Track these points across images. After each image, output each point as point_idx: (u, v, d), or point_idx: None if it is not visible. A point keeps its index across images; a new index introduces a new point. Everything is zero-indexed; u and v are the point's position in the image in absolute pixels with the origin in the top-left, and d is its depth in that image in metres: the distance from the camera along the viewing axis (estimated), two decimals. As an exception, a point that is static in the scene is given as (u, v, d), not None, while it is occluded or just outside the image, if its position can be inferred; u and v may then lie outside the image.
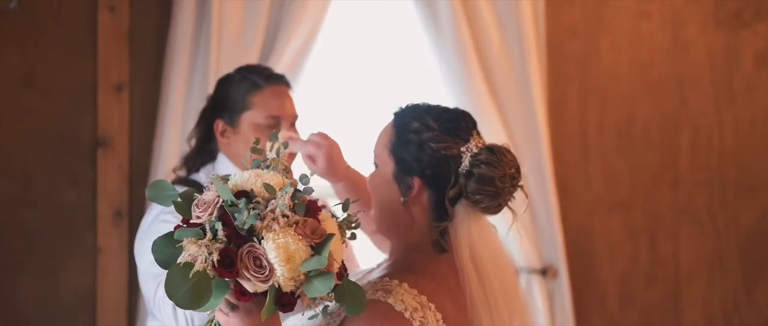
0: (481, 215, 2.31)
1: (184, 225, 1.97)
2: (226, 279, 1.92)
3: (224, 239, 1.90)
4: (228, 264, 1.90)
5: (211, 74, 3.97)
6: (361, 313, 2.00)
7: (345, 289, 1.98)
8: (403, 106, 2.41)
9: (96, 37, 4.02)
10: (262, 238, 1.91)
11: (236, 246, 1.91)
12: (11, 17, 3.92)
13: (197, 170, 2.99)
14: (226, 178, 2.01)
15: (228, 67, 3.91)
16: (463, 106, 4.02)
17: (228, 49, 4.02)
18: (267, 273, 1.90)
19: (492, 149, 2.29)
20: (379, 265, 2.51)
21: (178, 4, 4.01)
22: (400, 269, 2.30)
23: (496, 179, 2.26)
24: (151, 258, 2.64)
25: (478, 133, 2.35)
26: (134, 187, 4.07)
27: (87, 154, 4.04)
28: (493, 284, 2.28)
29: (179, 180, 3.02)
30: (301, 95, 3.00)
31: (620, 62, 4.59)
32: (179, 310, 2.62)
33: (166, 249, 1.95)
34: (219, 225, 1.91)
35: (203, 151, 3.02)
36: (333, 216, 2.05)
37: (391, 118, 2.41)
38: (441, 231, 2.31)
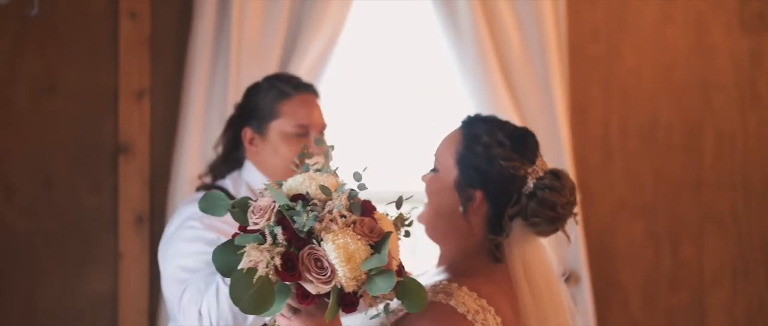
0: (534, 235, 2.37)
1: (242, 232, 2.00)
2: (288, 284, 1.94)
3: (284, 243, 1.93)
4: (290, 267, 1.92)
5: (231, 80, 3.98)
6: (422, 309, 2.01)
7: (406, 286, 2.00)
8: (472, 116, 2.47)
9: (117, 43, 4.05)
10: (321, 240, 1.94)
11: (296, 249, 1.94)
12: (33, 24, 3.94)
13: (223, 177, 2.99)
14: (279, 184, 2.05)
15: (248, 73, 3.98)
16: (482, 107, 4.11)
17: (248, 54, 4.03)
18: (329, 274, 1.92)
19: (557, 174, 2.36)
20: (425, 272, 2.53)
21: (198, 11, 4.02)
22: (457, 273, 2.33)
23: (557, 205, 2.32)
24: (178, 262, 2.67)
25: (541, 155, 2.40)
26: (155, 193, 4.09)
27: (108, 160, 4.06)
28: (544, 300, 2.34)
29: (205, 187, 3.03)
30: (322, 99, 3.02)
31: (643, 65, 4.55)
32: (204, 316, 2.62)
33: (227, 256, 1.97)
34: (278, 230, 1.93)
35: (230, 158, 3.03)
36: (387, 215, 2.07)
37: (458, 125, 2.45)
38: (496, 245, 2.35)
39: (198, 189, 3.03)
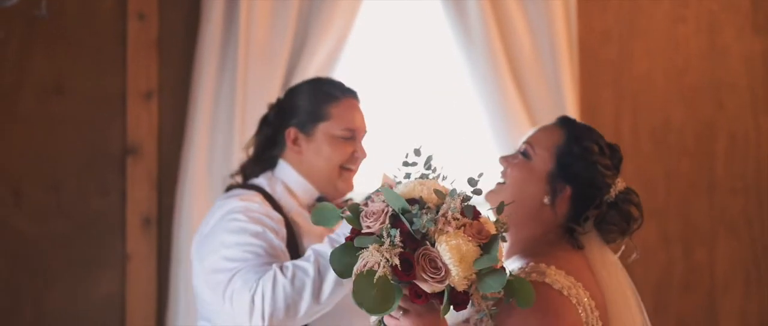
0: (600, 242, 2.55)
1: (357, 236, 2.14)
2: (400, 284, 2.06)
3: (400, 244, 2.05)
4: (407, 267, 2.04)
5: (238, 81, 3.98)
6: (531, 305, 2.13)
7: (513, 284, 2.12)
8: (573, 118, 2.66)
9: (125, 45, 4.04)
10: (434, 241, 2.07)
11: (411, 250, 2.07)
12: (40, 25, 3.93)
13: (255, 176, 2.98)
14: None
15: (256, 74, 3.99)
16: (492, 111, 4.08)
17: (256, 55, 4.02)
18: (443, 273, 2.04)
19: (635, 192, 2.57)
20: None
21: (206, 13, 4.01)
22: (538, 256, 2.46)
23: (633, 220, 2.53)
24: (223, 253, 2.69)
25: None
26: (163, 195, 4.07)
27: (116, 162, 4.05)
28: (624, 287, 2.52)
29: (237, 186, 3.00)
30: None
31: (655, 67, 4.52)
32: (257, 303, 2.59)
33: (345, 258, 2.11)
34: (395, 232, 2.05)
35: (262, 158, 3.01)
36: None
37: (555, 123, 2.63)
38: (575, 234, 2.52)
39: (228, 188, 3.00)
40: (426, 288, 2.05)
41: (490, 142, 4.22)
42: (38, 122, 3.99)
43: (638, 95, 4.51)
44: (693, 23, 4.55)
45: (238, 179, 3.08)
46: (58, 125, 4.00)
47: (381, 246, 2.05)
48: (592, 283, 2.44)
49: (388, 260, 2.02)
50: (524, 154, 2.58)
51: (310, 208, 2.88)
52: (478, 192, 2.16)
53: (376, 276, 2.02)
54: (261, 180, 2.96)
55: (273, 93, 3.99)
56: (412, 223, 2.07)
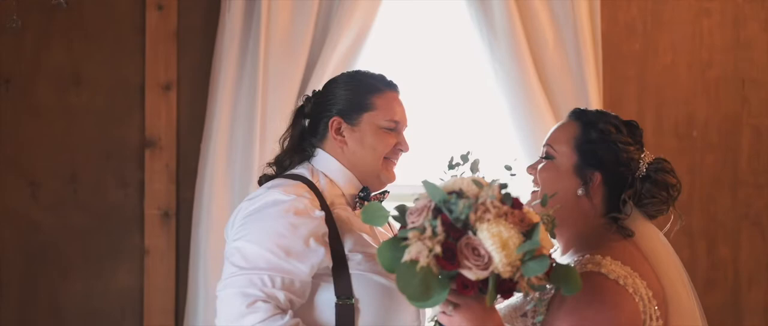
0: (644, 219, 2.57)
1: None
2: (447, 279, 2.11)
3: (442, 233, 2.10)
4: (449, 256, 2.09)
5: (260, 74, 3.94)
6: (578, 291, 2.17)
7: (558, 272, 2.18)
8: (581, 109, 2.68)
9: (144, 36, 4.04)
10: (477, 230, 2.11)
11: (454, 240, 2.11)
12: (59, 13, 3.93)
13: (293, 167, 2.92)
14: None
15: (277, 67, 3.97)
16: (516, 104, 4.03)
17: (277, 48, 3.99)
18: (486, 260, 2.08)
19: (665, 160, 2.58)
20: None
21: (226, 4, 3.98)
22: (593, 248, 2.48)
23: (670, 186, 2.56)
24: (247, 249, 2.58)
25: None
26: (181, 188, 4.07)
27: (134, 155, 4.05)
28: (679, 273, 2.55)
29: (273, 177, 2.93)
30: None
31: (679, 61, 4.46)
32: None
33: (391, 251, 2.16)
34: (437, 222, 2.11)
35: (299, 149, 2.96)
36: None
37: (567, 118, 2.65)
38: (618, 225, 2.53)
39: (262, 179, 2.93)
40: (470, 275, 2.09)
41: (513, 138, 4.16)
42: (55, 113, 3.98)
43: (662, 89, 4.45)
44: (717, 16, 4.49)
45: (273, 170, 3.02)
46: (76, 117, 4.00)
47: (422, 234, 2.10)
48: (649, 272, 2.45)
49: (430, 249, 2.07)
50: (547, 156, 2.62)
51: (352, 201, 2.84)
52: (513, 175, 2.28)
53: (419, 266, 2.06)
54: (302, 170, 2.90)
55: (294, 86, 3.99)
56: (451, 212, 2.12)
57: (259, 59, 3.95)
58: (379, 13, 4.10)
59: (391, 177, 2.91)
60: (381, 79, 2.95)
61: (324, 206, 2.74)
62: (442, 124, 4.30)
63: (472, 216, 2.11)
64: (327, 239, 2.68)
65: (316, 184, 2.80)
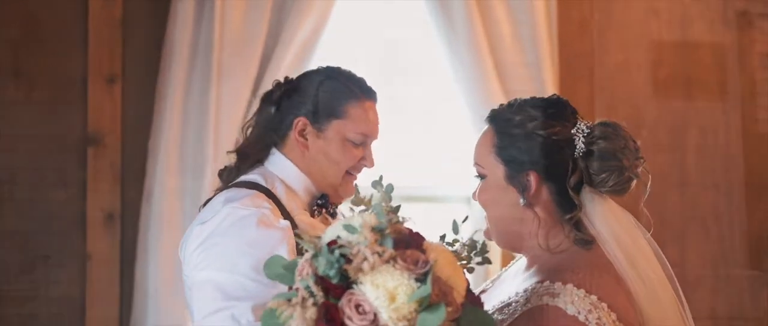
0: (610, 200, 2.24)
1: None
2: None
3: (321, 293, 1.81)
4: (329, 319, 1.80)
5: (213, 65, 3.85)
6: None
7: (469, 316, 1.85)
8: (496, 108, 2.35)
9: (86, 24, 3.95)
10: (360, 283, 1.81)
11: (336, 299, 1.82)
12: (-5, 2, 3.85)
13: (261, 163, 2.72)
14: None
15: (231, 59, 3.88)
16: (476, 105, 3.95)
17: (231, 39, 3.90)
18: (372, 318, 1.78)
19: (605, 123, 2.23)
20: (498, 276, 2.44)
21: (176, -9, 3.88)
22: (555, 271, 2.17)
23: (616, 152, 2.19)
24: (249, 253, 2.37)
25: (581, 116, 2.28)
26: (127, 188, 3.98)
27: (76, 153, 3.95)
28: (649, 274, 2.22)
29: (233, 185, 2.72)
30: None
31: (630, 61, 4.48)
32: None
33: (272, 320, 1.86)
34: (311, 281, 1.82)
35: (264, 139, 2.75)
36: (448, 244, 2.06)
37: (485, 125, 2.34)
38: (575, 224, 2.22)
39: (221, 174, 2.74)
40: None
41: (471, 135, 4.09)
42: (-8, 108, 3.89)
43: (613, 89, 4.47)
44: (666, 15, 4.52)
45: (234, 159, 2.83)
46: (14, 111, 3.91)
47: (290, 301, 1.83)
48: (620, 300, 2.12)
49: (304, 315, 1.80)
50: (478, 176, 2.33)
51: (310, 208, 2.67)
52: (456, 241, 2.06)
53: None
54: (255, 177, 2.71)
55: (248, 81, 3.89)
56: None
57: (213, 50, 3.84)
58: (336, 7, 4.00)
59: (350, 192, 2.66)
60: (361, 84, 2.74)
61: (286, 215, 2.57)
62: (399, 122, 4.20)
63: (350, 269, 1.81)
64: (296, 250, 2.51)
65: (273, 191, 2.62)
